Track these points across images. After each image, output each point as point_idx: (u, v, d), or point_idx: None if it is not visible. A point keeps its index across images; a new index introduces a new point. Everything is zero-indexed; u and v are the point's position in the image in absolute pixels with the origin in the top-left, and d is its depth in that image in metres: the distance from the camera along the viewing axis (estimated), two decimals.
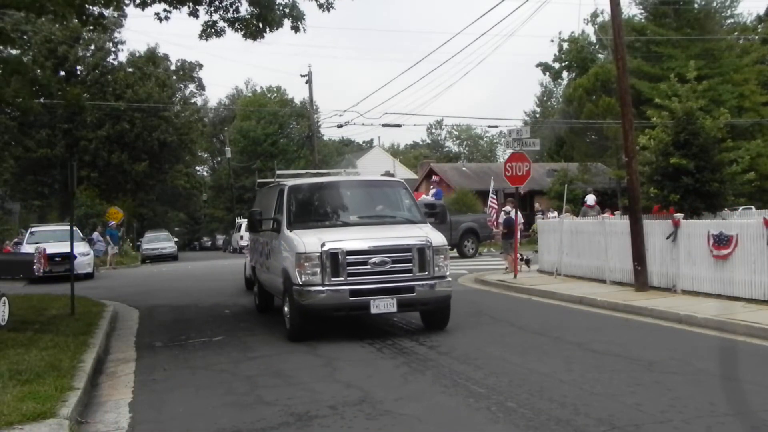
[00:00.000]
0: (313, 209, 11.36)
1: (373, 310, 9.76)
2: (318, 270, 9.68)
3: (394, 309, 9.86)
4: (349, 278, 9.71)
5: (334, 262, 9.67)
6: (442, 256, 10.17)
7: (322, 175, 14.07)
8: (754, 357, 8.50)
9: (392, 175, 13.52)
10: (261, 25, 14.05)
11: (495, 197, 29.67)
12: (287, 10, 13.93)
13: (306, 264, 9.74)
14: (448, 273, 10.29)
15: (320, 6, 13.94)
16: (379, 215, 11.29)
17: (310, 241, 9.86)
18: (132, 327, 12.84)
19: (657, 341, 9.62)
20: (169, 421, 6.66)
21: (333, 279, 9.69)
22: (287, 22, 14.04)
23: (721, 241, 12.29)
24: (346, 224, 10.81)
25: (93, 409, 7.17)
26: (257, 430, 6.17)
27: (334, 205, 11.51)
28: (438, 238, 10.26)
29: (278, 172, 13.31)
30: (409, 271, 9.89)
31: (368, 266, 9.73)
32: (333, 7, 13.96)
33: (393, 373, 8.08)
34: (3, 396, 6.78)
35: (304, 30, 14.15)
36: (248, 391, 7.59)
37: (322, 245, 9.71)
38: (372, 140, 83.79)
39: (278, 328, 11.63)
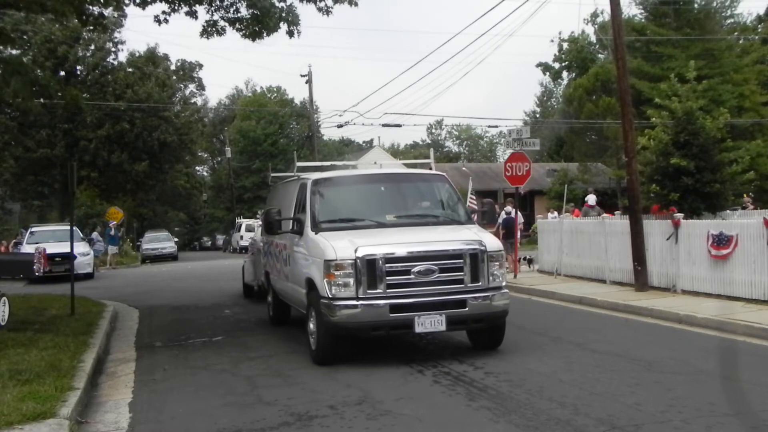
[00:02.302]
0: (343, 207, 9.67)
1: (418, 329, 8.20)
2: (351, 280, 8.12)
3: (443, 327, 8.27)
4: (388, 290, 8.13)
5: (370, 270, 8.10)
6: (497, 263, 8.65)
7: (350, 167, 12.33)
8: (754, 357, 8.50)
9: (430, 168, 11.62)
10: (258, 28, 14.09)
11: (474, 197, 29.72)
12: (284, 15, 13.98)
13: (336, 273, 8.16)
14: (504, 283, 8.76)
15: (319, 10, 13.98)
16: (420, 214, 9.71)
17: (341, 245, 8.31)
18: (132, 327, 12.85)
19: (657, 341, 9.62)
20: (169, 421, 6.66)
21: (369, 291, 8.12)
22: (284, 27, 14.10)
23: (721, 241, 12.29)
24: (381, 225, 9.16)
25: (93, 409, 7.18)
26: (257, 430, 6.17)
27: (367, 202, 9.84)
28: (492, 242, 8.80)
29: (298, 164, 11.41)
30: (460, 281, 8.34)
31: (411, 276, 8.16)
32: (331, 11, 14.03)
33: (393, 373, 8.07)
34: (3, 396, 6.78)
35: (299, 34, 14.23)
36: (248, 391, 7.60)
37: (356, 250, 8.15)
38: (372, 140, 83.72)
39: (279, 328, 11.64)
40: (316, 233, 8.96)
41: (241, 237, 43.59)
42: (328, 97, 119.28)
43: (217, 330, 11.90)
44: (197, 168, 69.66)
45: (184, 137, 44.29)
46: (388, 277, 8.13)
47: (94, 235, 33.19)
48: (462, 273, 8.35)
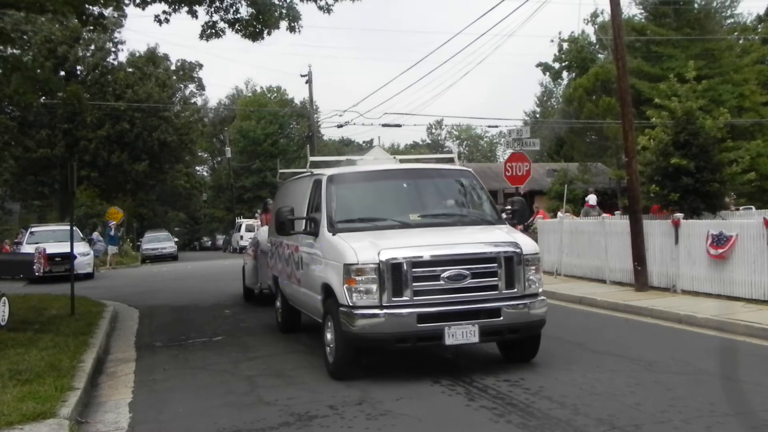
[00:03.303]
0: (362, 206, 8.91)
1: (448, 341, 7.44)
2: (374, 287, 7.40)
3: (476, 338, 7.54)
4: (415, 298, 7.42)
5: (395, 275, 7.39)
6: (534, 267, 7.91)
7: (367, 161, 11.45)
8: (754, 357, 8.50)
9: (453, 162, 10.73)
10: (259, 26, 14.10)
11: None
12: (284, 11, 13.99)
13: (358, 278, 7.44)
14: (541, 289, 8.00)
15: (320, 8, 13.99)
16: (447, 213, 8.97)
17: (363, 247, 7.59)
18: (132, 327, 12.84)
19: (657, 341, 9.62)
20: (169, 421, 6.66)
21: (394, 299, 7.41)
22: (284, 23, 14.12)
23: (721, 241, 12.29)
24: (404, 225, 8.37)
25: (93, 409, 7.18)
26: (257, 430, 6.17)
27: (389, 200, 9.05)
28: (529, 244, 8.05)
29: (312, 158, 10.59)
30: (494, 287, 7.62)
31: (440, 281, 7.44)
32: (332, 10, 14.04)
33: (393, 373, 8.07)
34: (3, 396, 6.79)
35: (300, 30, 14.24)
36: (248, 391, 7.60)
37: (379, 253, 7.44)
38: (372, 140, 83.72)
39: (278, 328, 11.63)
40: (333, 234, 8.19)
41: (241, 237, 43.54)
42: (328, 97, 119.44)
43: (217, 330, 11.90)
44: (197, 168, 69.68)
45: (184, 137, 44.30)
46: (414, 283, 7.41)
47: (95, 235, 33.19)
48: (496, 278, 7.62)
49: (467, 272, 7.51)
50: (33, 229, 27.65)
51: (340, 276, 7.64)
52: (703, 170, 16.65)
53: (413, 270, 7.42)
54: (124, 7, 15.53)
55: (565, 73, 54.53)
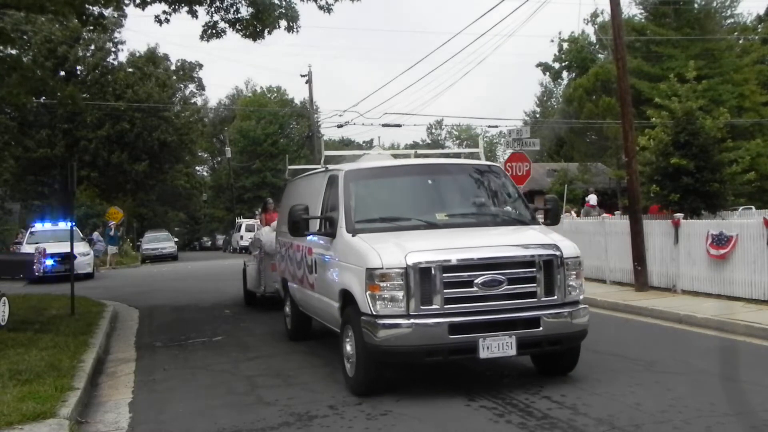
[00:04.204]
0: (383, 204, 8.22)
1: (483, 354, 6.71)
2: (401, 294, 6.69)
3: (513, 351, 6.80)
4: (446, 306, 6.71)
5: (424, 281, 6.68)
6: (575, 272, 7.18)
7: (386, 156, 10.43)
8: (754, 357, 8.51)
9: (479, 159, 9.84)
10: (259, 26, 14.11)
11: None
12: (283, 11, 14.01)
13: (382, 284, 6.73)
14: (582, 297, 7.30)
15: (320, 7, 14.00)
16: (477, 213, 8.29)
17: (388, 250, 6.90)
18: (132, 327, 12.85)
19: (657, 341, 9.62)
20: (169, 421, 6.66)
21: (423, 307, 6.68)
22: (283, 23, 14.13)
23: (721, 241, 12.30)
24: (431, 226, 7.65)
25: (93, 409, 7.18)
26: (257, 430, 6.17)
27: (413, 197, 8.32)
28: (569, 246, 7.29)
29: (326, 153, 9.86)
30: (532, 294, 6.91)
31: (474, 288, 6.73)
32: (332, 9, 14.04)
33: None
34: (3, 396, 6.79)
35: (298, 30, 14.25)
36: (248, 391, 7.60)
37: (406, 256, 6.74)
38: (372, 140, 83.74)
39: (279, 328, 11.63)
40: (353, 235, 7.47)
41: (241, 237, 43.56)
42: (328, 97, 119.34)
43: (217, 330, 11.90)
44: (197, 168, 69.69)
45: (184, 137, 44.28)
46: (445, 290, 6.68)
47: (95, 235, 33.20)
48: (534, 284, 6.90)
49: (503, 278, 6.79)
50: (33, 229, 27.68)
51: (362, 281, 6.90)
52: (703, 170, 16.69)
53: (444, 275, 6.70)
54: (124, 7, 15.54)
55: (565, 73, 54.58)
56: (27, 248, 22.91)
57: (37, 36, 34.92)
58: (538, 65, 55.65)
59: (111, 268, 32.06)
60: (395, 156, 10.61)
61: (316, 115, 47.93)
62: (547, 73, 57.23)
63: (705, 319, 10.48)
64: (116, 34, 40.68)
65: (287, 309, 10.77)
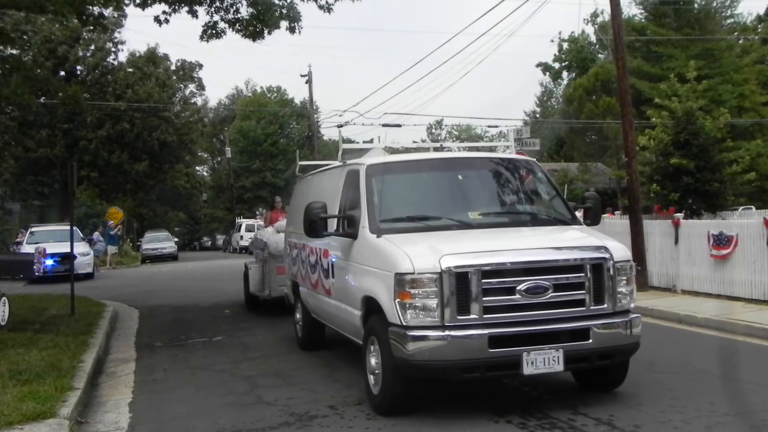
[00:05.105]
0: (410, 201, 7.46)
1: (527, 370, 5.97)
2: (435, 302, 5.96)
3: (560, 366, 6.08)
4: (485, 316, 5.99)
5: (461, 287, 5.96)
6: (626, 278, 6.44)
7: (409, 150, 9.62)
8: (754, 357, 8.51)
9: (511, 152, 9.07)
10: (259, 26, 14.11)
11: None
12: (284, 11, 14.00)
13: (413, 291, 6.00)
14: (633, 305, 6.53)
15: (320, 7, 14.00)
16: (513, 211, 7.58)
17: (419, 252, 6.17)
18: (132, 327, 12.84)
19: (657, 341, 9.60)
20: (169, 421, 6.66)
21: (460, 317, 5.96)
22: (284, 23, 14.13)
23: (721, 241, 12.31)
24: (465, 225, 6.93)
25: (93, 409, 7.17)
26: (257, 430, 6.17)
27: (442, 194, 7.55)
28: (619, 249, 6.56)
29: (344, 146, 9.04)
30: (580, 302, 6.20)
31: (516, 296, 6.02)
32: (332, 9, 14.04)
33: None
34: (3, 396, 6.78)
35: (300, 31, 14.24)
36: (248, 391, 7.60)
37: (441, 260, 6.01)
38: (372, 140, 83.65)
39: (279, 328, 11.63)
40: (377, 236, 6.75)
41: (241, 237, 43.58)
42: (328, 97, 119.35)
43: (217, 330, 11.90)
44: (197, 168, 69.74)
45: (184, 137, 44.34)
46: (485, 297, 5.97)
47: (95, 235, 33.20)
48: (583, 291, 6.19)
49: (548, 284, 6.07)
50: (33, 229, 27.68)
51: (391, 288, 6.16)
52: (703, 170, 16.70)
53: (483, 281, 5.98)
54: (124, 7, 15.53)
55: (565, 73, 54.54)
56: (27, 248, 22.91)
57: (37, 36, 34.94)
58: (538, 65, 55.62)
59: (111, 268, 32.06)
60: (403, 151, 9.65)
61: (316, 115, 47.97)
62: (547, 73, 57.19)
63: (705, 319, 10.48)
64: (116, 34, 40.77)
65: (297, 315, 10.06)
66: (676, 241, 13.41)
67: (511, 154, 8.52)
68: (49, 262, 22.32)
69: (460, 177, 7.68)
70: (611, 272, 6.29)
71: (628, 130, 14.40)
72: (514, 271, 6.07)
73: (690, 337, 9.82)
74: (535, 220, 7.39)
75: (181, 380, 8.30)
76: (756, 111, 36.95)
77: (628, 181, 14.62)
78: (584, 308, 6.19)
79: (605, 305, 6.26)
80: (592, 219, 7.65)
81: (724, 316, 10.39)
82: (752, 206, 27.65)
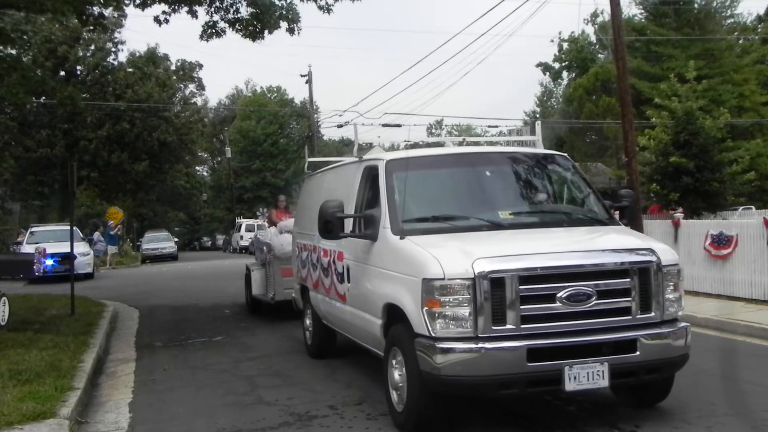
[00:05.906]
0: (435, 200, 6.82)
1: (569, 386, 5.37)
2: (467, 310, 5.38)
3: (605, 382, 5.47)
4: (523, 326, 5.41)
5: (496, 294, 5.39)
6: (673, 283, 5.85)
7: (431, 145, 8.96)
8: (754, 357, 8.51)
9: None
10: (259, 26, 14.11)
11: None
12: (284, 12, 14.00)
13: (444, 299, 5.42)
14: (681, 313, 5.95)
15: (320, 8, 13.99)
16: (546, 211, 7.02)
17: (449, 255, 5.58)
18: (132, 327, 12.84)
19: None
20: (169, 421, 6.66)
21: (495, 327, 5.37)
22: (284, 24, 14.13)
23: (721, 241, 12.31)
24: (496, 226, 6.30)
25: (93, 409, 7.17)
26: (257, 430, 6.17)
27: (470, 192, 6.89)
28: (666, 251, 5.98)
29: (359, 142, 8.17)
30: (626, 311, 5.62)
31: (556, 303, 5.44)
32: (332, 10, 14.02)
33: None
34: (3, 396, 6.78)
35: (299, 32, 14.23)
36: (248, 391, 7.60)
37: (474, 263, 5.42)
38: (371, 143, 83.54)
39: (279, 328, 11.63)
40: (400, 237, 6.13)
41: (241, 237, 43.61)
42: (328, 97, 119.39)
43: (217, 330, 11.90)
44: (197, 168, 69.76)
45: (184, 137, 44.31)
46: (522, 306, 5.39)
47: (96, 235, 33.22)
48: (629, 298, 5.61)
49: (591, 290, 5.48)
50: (33, 229, 27.68)
51: (417, 295, 5.58)
52: (703, 170, 16.71)
53: (521, 287, 5.39)
54: (124, 7, 15.52)
55: (565, 73, 54.55)
56: (27, 248, 22.91)
57: (37, 36, 34.93)
58: (538, 65, 55.62)
59: (111, 268, 32.06)
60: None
61: (316, 115, 47.97)
62: (547, 73, 57.21)
63: (705, 319, 10.48)
64: (116, 34, 40.73)
65: (307, 322, 9.47)
66: (676, 241, 13.40)
67: (540, 150, 7.78)
68: (49, 262, 22.31)
69: (488, 173, 7.09)
70: (659, 277, 5.71)
71: (628, 130, 14.40)
72: (554, 277, 5.49)
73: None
74: (571, 220, 6.77)
75: (181, 380, 8.31)
76: (756, 111, 36.94)
77: (628, 181, 14.63)
78: (630, 317, 5.61)
79: (653, 313, 5.68)
80: (629, 218, 7.09)
81: (723, 316, 10.40)
82: (752, 206, 27.65)
